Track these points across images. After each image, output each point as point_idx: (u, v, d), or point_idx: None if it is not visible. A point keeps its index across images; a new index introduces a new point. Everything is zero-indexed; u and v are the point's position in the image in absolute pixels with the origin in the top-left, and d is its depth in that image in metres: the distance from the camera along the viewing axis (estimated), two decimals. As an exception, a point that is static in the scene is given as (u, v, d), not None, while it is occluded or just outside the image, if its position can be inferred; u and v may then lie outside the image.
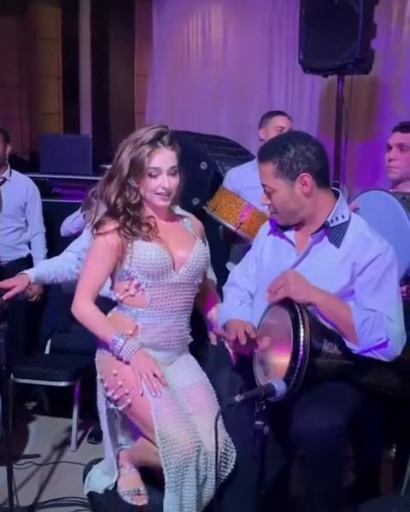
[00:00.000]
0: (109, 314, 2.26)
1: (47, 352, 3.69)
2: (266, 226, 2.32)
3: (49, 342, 3.70)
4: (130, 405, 2.13)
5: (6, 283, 2.48)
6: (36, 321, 3.85)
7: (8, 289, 2.45)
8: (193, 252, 2.24)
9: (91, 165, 4.28)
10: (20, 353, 3.63)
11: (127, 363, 2.15)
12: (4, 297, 2.41)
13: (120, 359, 2.16)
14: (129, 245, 2.15)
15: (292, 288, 1.99)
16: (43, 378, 3.36)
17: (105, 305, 2.30)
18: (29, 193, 3.76)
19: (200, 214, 3.07)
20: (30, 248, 3.81)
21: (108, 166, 3.74)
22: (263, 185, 2.16)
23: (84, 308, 2.17)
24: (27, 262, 3.72)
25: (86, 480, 2.33)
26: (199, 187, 3.52)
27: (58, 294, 3.58)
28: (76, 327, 3.29)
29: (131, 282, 2.18)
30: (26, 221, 3.78)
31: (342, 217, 2.12)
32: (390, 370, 2.16)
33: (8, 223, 3.67)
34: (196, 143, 3.88)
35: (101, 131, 6.03)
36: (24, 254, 3.77)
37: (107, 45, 6.34)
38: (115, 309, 2.29)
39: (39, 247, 3.79)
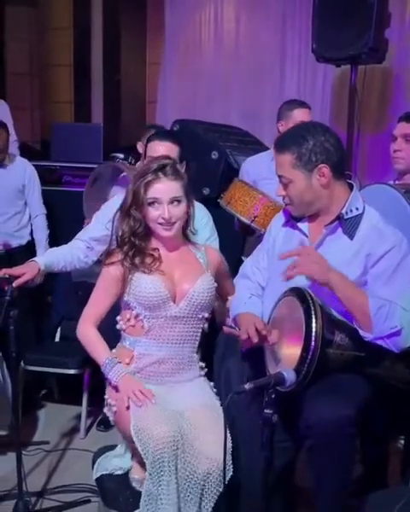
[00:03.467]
0: (114, 350, 2.30)
1: (57, 339, 3.70)
2: (280, 218, 2.30)
3: (58, 330, 3.71)
4: (115, 413, 2.19)
5: (16, 271, 2.47)
6: (45, 309, 3.86)
7: (18, 277, 2.45)
8: (195, 286, 2.23)
9: (102, 154, 4.27)
10: (31, 341, 3.64)
11: (116, 388, 2.18)
12: (14, 284, 2.41)
13: (110, 384, 2.21)
14: (130, 276, 2.21)
15: (316, 265, 1.97)
16: (53, 365, 3.38)
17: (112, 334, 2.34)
18: (27, 174, 3.72)
19: (213, 204, 3.07)
20: (30, 235, 3.76)
21: (119, 155, 3.78)
22: (279, 176, 2.14)
23: (86, 331, 2.28)
24: (28, 249, 3.69)
25: (96, 465, 2.34)
26: (210, 176, 3.51)
27: (67, 283, 3.59)
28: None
29: (131, 311, 2.23)
30: (24, 203, 3.73)
31: (357, 209, 2.11)
32: (401, 363, 2.14)
33: (5, 209, 3.66)
34: (206, 133, 3.86)
35: (112, 120, 6.04)
36: (24, 242, 3.73)
37: (118, 34, 6.34)
38: (120, 342, 2.33)
39: (41, 228, 3.75)
